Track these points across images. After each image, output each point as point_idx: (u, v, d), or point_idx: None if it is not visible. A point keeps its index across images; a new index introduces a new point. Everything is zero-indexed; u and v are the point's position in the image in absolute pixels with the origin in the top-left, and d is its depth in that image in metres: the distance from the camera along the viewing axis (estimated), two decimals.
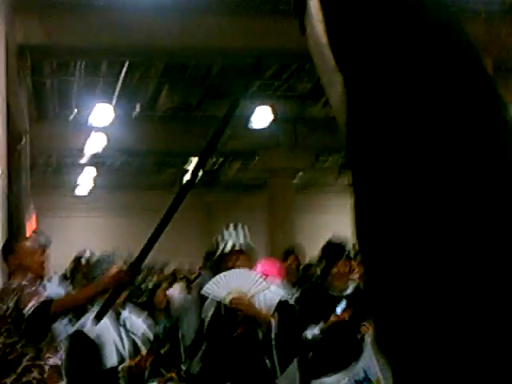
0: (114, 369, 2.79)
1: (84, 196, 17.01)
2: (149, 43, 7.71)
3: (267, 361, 3.10)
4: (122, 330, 2.93)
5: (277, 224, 12.31)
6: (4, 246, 3.30)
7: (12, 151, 6.89)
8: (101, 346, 2.79)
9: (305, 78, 9.52)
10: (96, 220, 17.25)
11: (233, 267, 3.17)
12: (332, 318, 3.58)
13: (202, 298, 4.97)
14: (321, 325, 3.48)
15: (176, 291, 6.68)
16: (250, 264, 3.32)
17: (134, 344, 2.94)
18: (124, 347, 2.87)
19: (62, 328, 3.99)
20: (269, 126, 11.31)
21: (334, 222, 17.33)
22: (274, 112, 10.82)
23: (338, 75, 0.65)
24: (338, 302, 3.65)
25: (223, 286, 3.13)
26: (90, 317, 2.87)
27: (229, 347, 3.02)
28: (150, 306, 5.25)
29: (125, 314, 3.02)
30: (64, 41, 7.65)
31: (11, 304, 2.79)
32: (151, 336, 3.05)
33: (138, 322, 3.06)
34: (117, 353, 2.84)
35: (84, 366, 2.79)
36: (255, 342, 3.09)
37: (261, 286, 3.21)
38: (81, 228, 16.96)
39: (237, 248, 3.21)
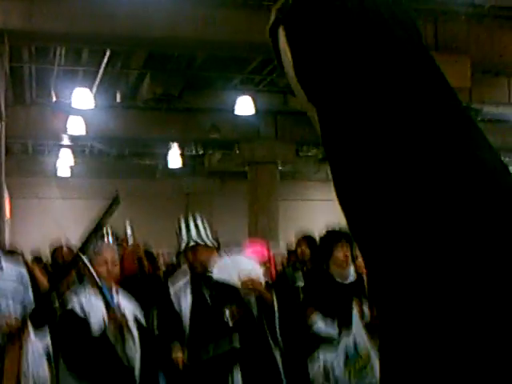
0: (103, 333, 2.77)
1: (61, 181, 16.86)
2: (132, 32, 7.65)
3: (271, 342, 3.15)
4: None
5: (259, 210, 12.40)
6: None
7: None
8: (90, 320, 2.79)
9: None
10: (73, 205, 17.09)
11: (201, 260, 3.27)
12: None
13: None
14: (335, 325, 3.39)
15: None
16: (215, 255, 3.40)
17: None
18: None
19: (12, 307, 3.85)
20: (250, 118, 11.35)
21: (315, 209, 17.51)
22: (256, 104, 10.85)
23: (310, 105, 0.64)
24: (343, 289, 3.55)
25: (231, 270, 3.21)
26: (78, 298, 2.88)
27: (224, 332, 3.06)
28: None
29: (117, 297, 3.03)
30: (44, 26, 7.53)
31: None
32: (144, 322, 3.05)
33: (129, 307, 3.06)
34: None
35: (74, 341, 2.78)
36: (252, 324, 3.17)
37: (260, 270, 3.36)
38: (58, 212, 16.79)
39: (200, 243, 3.32)
